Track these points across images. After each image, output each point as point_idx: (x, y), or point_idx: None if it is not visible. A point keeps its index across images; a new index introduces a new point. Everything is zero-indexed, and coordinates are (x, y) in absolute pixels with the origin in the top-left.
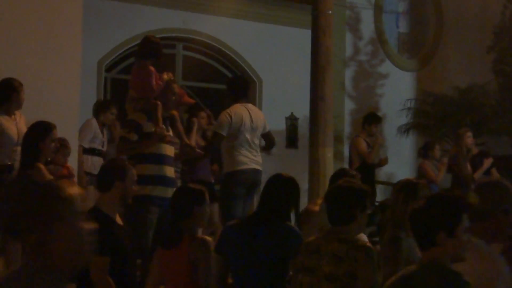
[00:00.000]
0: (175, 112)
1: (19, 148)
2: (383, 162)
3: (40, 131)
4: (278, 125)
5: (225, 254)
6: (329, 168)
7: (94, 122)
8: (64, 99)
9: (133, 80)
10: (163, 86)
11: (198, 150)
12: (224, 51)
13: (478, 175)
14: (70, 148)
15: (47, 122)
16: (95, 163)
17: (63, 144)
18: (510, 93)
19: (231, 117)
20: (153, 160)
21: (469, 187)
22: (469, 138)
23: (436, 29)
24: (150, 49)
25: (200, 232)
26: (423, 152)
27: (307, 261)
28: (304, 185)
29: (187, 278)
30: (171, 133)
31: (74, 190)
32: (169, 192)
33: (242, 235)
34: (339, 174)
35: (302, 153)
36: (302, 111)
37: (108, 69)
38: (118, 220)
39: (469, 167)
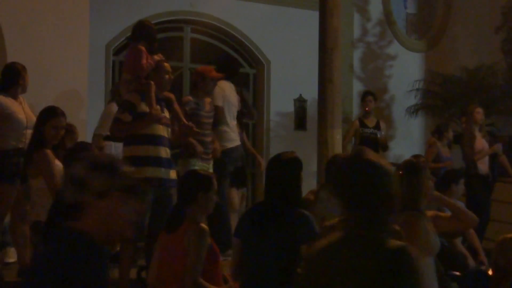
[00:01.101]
0: (171, 95)
1: (29, 132)
2: (383, 141)
3: (43, 116)
4: (286, 107)
5: (241, 239)
6: (338, 150)
7: (114, 107)
8: (73, 82)
9: (126, 62)
10: (154, 65)
11: (196, 130)
12: (232, 33)
13: (479, 157)
14: (78, 133)
15: (53, 108)
16: (118, 149)
17: (70, 130)
18: None
19: (223, 90)
20: (147, 141)
21: (471, 169)
22: (478, 114)
23: (444, 9)
24: (142, 32)
25: (204, 219)
26: (437, 133)
27: None
28: (313, 167)
29: (181, 264)
30: (166, 114)
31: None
32: (165, 172)
33: (253, 223)
34: (334, 161)
35: (311, 135)
36: (311, 93)
37: (116, 53)
38: None
39: (484, 143)
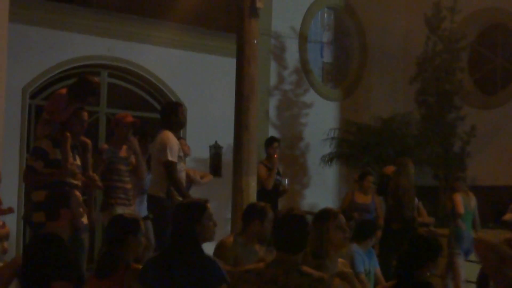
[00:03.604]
0: (88, 141)
1: None
2: (283, 190)
3: None
4: (202, 154)
5: (147, 285)
6: (253, 197)
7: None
8: None
9: (48, 102)
10: (72, 112)
11: (98, 184)
12: (149, 79)
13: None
14: (0, 177)
15: None
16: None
17: None
18: (432, 124)
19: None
20: (59, 187)
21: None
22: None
23: (360, 59)
24: (83, 91)
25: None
26: (357, 181)
27: None
28: (227, 214)
29: None
30: (78, 161)
31: None
32: None
33: (161, 269)
34: (252, 208)
35: (226, 182)
36: (226, 140)
37: (33, 96)
38: None
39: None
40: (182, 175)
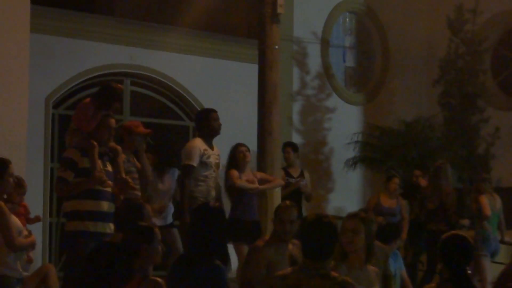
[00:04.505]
0: (118, 147)
1: None
2: (307, 191)
3: None
4: (225, 160)
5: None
6: (277, 202)
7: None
8: (12, 135)
9: (75, 112)
10: (99, 120)
11: (132, 185)
12: (172, 86)
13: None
14: (26, 187)
15: (1, 158)
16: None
17: (18, 183)
18: (456, 126)
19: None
20: (90, 195)
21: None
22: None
23: (383, 63)
24: (105, 94)
25: (151, 270)
26: (384, 184)
27: None
28: None
29: None
30: (109, 167)
31: None
32: (108, 227)
33: (177, 274)
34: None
35: None
36: (250, 146)
37: (56, 105)
38: None
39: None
40: (210, 183)
